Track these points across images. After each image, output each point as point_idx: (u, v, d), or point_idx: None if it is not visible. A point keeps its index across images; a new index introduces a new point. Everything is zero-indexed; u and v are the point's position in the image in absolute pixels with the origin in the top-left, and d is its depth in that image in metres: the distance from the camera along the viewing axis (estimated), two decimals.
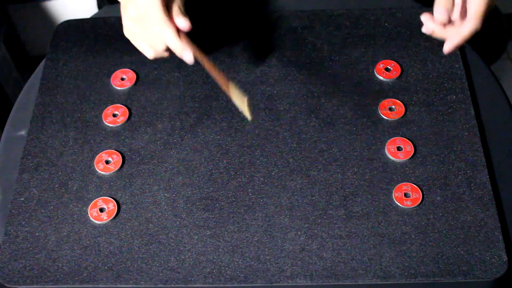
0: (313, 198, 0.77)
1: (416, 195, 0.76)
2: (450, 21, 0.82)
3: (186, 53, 0.78)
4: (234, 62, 0.90)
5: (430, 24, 0.83)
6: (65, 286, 0.72)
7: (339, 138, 0.82)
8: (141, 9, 0.77)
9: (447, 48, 0.84)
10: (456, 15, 0.83)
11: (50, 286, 0.72)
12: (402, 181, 0.78)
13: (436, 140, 0.81)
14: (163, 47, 0.80)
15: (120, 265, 0.73)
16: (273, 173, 0.79)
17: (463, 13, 0.83)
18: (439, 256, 0.72)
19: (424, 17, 0.87)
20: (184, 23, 0.78)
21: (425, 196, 0.76)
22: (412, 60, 0.89)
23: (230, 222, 0.75)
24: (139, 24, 0.79)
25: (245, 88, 0.87)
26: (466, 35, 0.81)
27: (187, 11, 0.91)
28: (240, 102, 0.78)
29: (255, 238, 0.74)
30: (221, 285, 0.71)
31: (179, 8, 0.80)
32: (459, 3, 0.84)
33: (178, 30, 0.78)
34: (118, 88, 0.88)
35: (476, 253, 0.72)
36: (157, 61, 0.91)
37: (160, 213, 0.77)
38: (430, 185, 0.77)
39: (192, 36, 0.93)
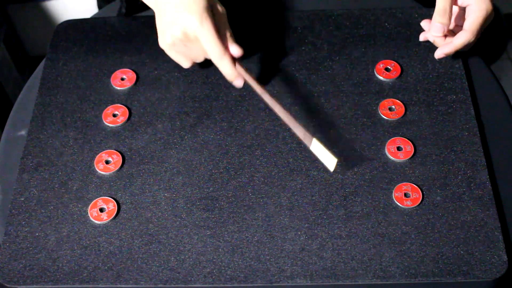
0: (313, 198, 0.77)
1: (416, 195, 0.76)
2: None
3: (238, 81, 0.82)
4: None
5: (430, 36, 0.86)
6: (65, 286, 0.72)
7: (339, 138, 0.82)
8: (191, 33, 0.78)
9: (437, 55, 0.87)
10: (452, 26, 0.85)
11: (50, 286, 0.72)
12: (402, 181, 0.78)
13: (436, 140, 0.81)
14: (202, 59, 0.83)
15: (120, 265, 0.73)
16: (273, 173, 0.79)
17: (461, 21, 0.85)
18: (439, 256, 0.72)
19: (424, 24, 0.89)
20: (238, 51, 0.81)
21: (425, 196, 0.76)
22: (412, 60, 0.89)
23: (230, 222, 0.75)
24: (183, 43, 0.80)
25: (245, 87, 0.87)
26: (459, 46, 0.83)
27: None
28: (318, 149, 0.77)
29: (255, 238, 0.74)
30: (221, 285, 0.71)
31: (231, 34, 0.81)
32: (456, 12, 0.86)
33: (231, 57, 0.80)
34: (118, 88, 0.88)
35: (476, 253, 0.72)
36: (157, 61, 0.91)
37: (160, 213, 0.77)
38: (430, 185, 0.77)
39: None
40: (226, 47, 0.80)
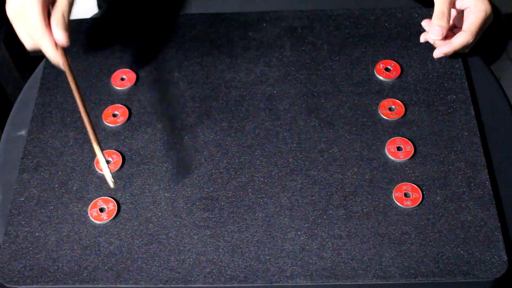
0: (313, 198, 0.77)
1: (416, 195, 0.76)
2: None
3: (63, 66, 0.76)
4: (234, 62, 0.90)
5: (429, 37, 0.86)
6: (65, 286, 0.72)
7: (339, 138, 0.82)
8: (20, 5, 0.74)
9: (436, 54, 0.87)
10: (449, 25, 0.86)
11: (50, 286, 0.72)
12: (402, 181, 0.78)
13: (436, 140, 0.81)
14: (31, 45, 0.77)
15: (120, 265, 0.73)
16: (273, 173, 0.79)
17: (461, 23, 0.85)
18: (439, 256, 0.72)
19: (425, 24, 0.89)
20: (61, 37, 0.75)
21: (425, 196, 0.76)
22: (412, 60, 0.89)
23: (230, 222, 0.75)
24: (18, 17, 0.75)
25: (245, 88, 0.87)
26: (457, 46, 0.84)
27: (186, 10, 0.91)
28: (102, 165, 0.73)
29: (255, 238, 0.74)
30: (221, 285, 0.71)
31: (63, 17, 0.75)
32: (454, 14, 0.86)
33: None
34: (118, 88, 0.88)
35: (476, 253, 0.72)
36: (157, 61, 0.91)
37: (160, 213, 0.77)
38: (430, 185, 0.77)
39: (192, 36, 0.93)
40: (50, 29, 0.74)
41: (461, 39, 0.83)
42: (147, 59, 0.91)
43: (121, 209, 0.77)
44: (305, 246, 0.73)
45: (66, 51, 0.76)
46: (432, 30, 0.83)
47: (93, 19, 0.98)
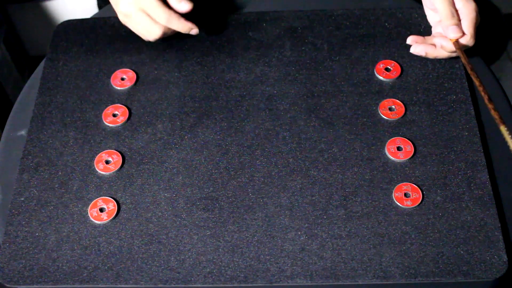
0: (313, 198, 0.77)
1: (416, 195, 0.76)
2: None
3: (194, 30, 0.88)
4: (234, 62, 0.90)
5: (421, 49, 0.87)
6: (65, 286, 0.72)
7: (339, 138, 0.82)
8: (135, 5, 0.86)
9: (436, 53, 0.87)
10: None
11: (50, 286, 0.72)
12: (402, 181, 0.78)
13: (436, 140, 0.81)
14: (159, 33, 0.88)
15: (120, 265, 0.73)
16: (273, 173, 0.79)
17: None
18: (439, 256, 0.72)
19: (412, 40, 0.89)
20: (184, 7, 0.87)
21: (425, 196, 0.76)
22: (412, 60, 0.89)
23: (230, 222, 0.75)
24: (132, 19, 0.87)
25: (245, 88, 0.87)
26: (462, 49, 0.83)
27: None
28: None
29: (255, 238, 0.74)
30: (221, 285, 0.71)
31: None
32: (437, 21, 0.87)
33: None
34: (118, 88, 0.88)
35: (476, 253, 0.72)
36: (157, 61, 0.91)
37: (160, 213, 0.77)
38: (430, 185, 0.77)
39: (192, 36, 0.93)
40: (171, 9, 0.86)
41: (465, 43, 0.83)
42: (147, 59, 0.91)
43: (121, 209, 0.77)
44: (305, 246, 0.73)
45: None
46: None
47: (93, 19, 0.98)
